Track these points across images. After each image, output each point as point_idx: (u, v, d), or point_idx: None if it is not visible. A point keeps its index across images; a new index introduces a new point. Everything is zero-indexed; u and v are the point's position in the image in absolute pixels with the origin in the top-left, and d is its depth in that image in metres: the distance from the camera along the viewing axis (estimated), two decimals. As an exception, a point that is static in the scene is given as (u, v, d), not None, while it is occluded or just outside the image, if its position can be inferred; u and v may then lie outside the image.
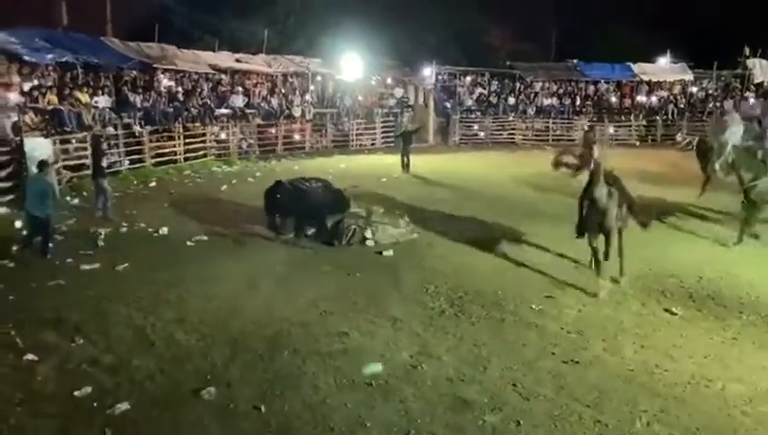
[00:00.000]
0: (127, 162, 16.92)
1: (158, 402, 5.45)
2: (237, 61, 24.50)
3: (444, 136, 26.82)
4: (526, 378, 5.95)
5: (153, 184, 15.96)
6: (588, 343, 6.73)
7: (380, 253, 9.90)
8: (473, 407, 5.43)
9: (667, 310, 7.72)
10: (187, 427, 5.13)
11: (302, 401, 5.51)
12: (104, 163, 12.36)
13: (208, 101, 21.59)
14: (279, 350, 6.49)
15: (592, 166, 8.18)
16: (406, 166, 18.14)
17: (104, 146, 12.71)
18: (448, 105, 27.82)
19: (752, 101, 26.86)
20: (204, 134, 20.04)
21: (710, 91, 30.71)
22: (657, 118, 28.10)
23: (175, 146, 18.83)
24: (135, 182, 15.85)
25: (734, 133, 14.20)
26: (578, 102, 29.53)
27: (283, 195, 10.87)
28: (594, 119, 28.43)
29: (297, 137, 23.38)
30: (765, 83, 29.49)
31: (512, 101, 28.89)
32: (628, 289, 8.34)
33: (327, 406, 5.43)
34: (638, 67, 30.52)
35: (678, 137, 15.29)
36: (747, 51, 29.60)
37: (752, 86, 29.51)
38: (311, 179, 11.47)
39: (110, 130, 16.74)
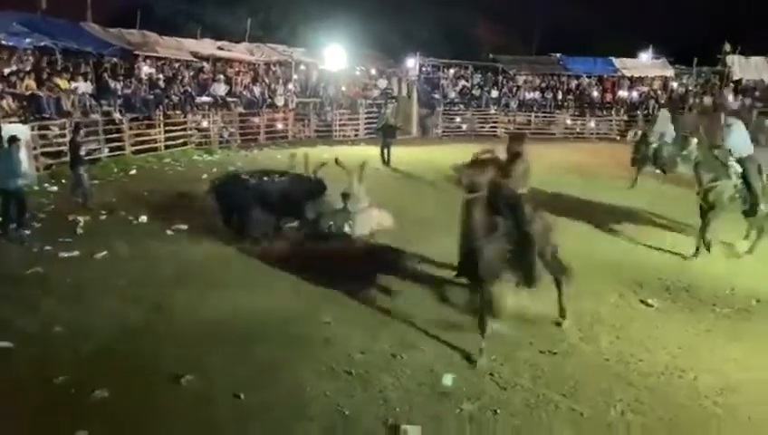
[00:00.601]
0: (107, 150, 16.74)
1: (137, 390, 5.44)
2: (219, 48, 24.34)
3: (428, 127, 26.84)
4: (504, 368, 6.02)
5: (133, 172, 15.80)
6: (565, 334, 6.82)
7: (358, 244, 9.93)
8: (451, 396, 5.50)
9: (643, 301, 7.84)
10: (166, 413, 5.13)
11: (281, 389, 5.53)
12: (82, 152, 12.23)
13: (189, 89, 21.42)
14: (259, 339, 6.49)
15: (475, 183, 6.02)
16: (386, 159, 17.91)
17: (81, 134, 12.53)
18: (436, 95, 27.85)
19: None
20: (185, 122, 19.87)
21: (690, 88, 31.07)
22: (638, 113, 28.37)
23: (155, 134, 18.67)
24: (115, 170, 15.69)
25: (669, 130, 15.29)
26: (560, 97, 29.75)
27: (248, 191, 10.14)
28: (576, 113, 28.71)
29: (280, 126, 23.26)
30: (744, 80, 29.93)
31: (494, 94, 29.01)
32: (604, 286, 8.42)
33: (306, 395, 5.46)
34: (619, 62, 30.81)
35: (630, 135, 16.12)
36: (728, 47, 29.99)
37: (731, 83, 29.93)
38: (272, 172, 10.77)
39: (94, 116, 16.58)
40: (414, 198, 13.44)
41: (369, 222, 10.49)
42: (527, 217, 6.48)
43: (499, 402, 5.41)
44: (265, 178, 10.46)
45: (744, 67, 29.80)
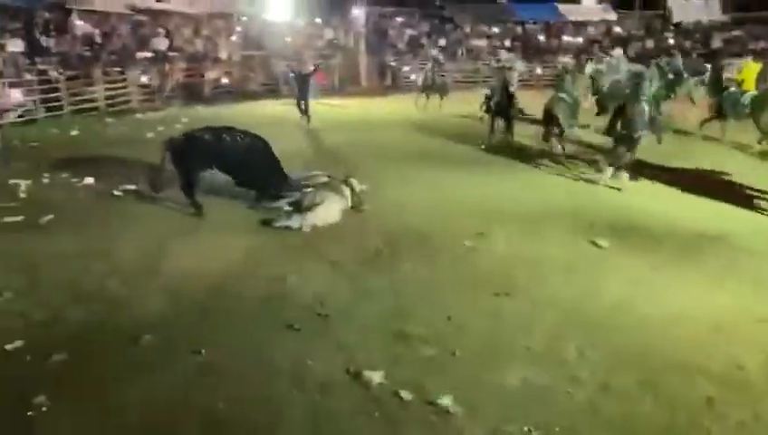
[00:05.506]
0: (43, 110, 16.08)
1: (96, 351, 5.38)
2: (157, 1, 23.41)
3: (380, 78, 26.58)
4: (460, 311, 6.17)
5: (74, 132, 15.23)
6: (518, 276, 7.01)
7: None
8: (410, 340, 5.62)
9: (592, 242, 8.09)
10: (128, 372, 5.09)
11: (242, 343, 5.55)
12: None
13: (128, 44, 20.62)
14: (216, 297, 6.47)
15: None
16: (305, 113, 16.44)
17: None
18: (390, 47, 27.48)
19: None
20: (125, 79, 19.20)
21: (632, 31, 31.51)
22: (583, 57, 28.63)
23: (95, 92, 17.99)
24: (55, 131, 15.11)
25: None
26: (507, 44, 29.78)
27: (211, 148, 9.14)
28: (523, 60, 28.80)
29: (224, 80, 22.68)
30: (683, 23, 30.49)
31: (442, 42, 28.84)
32: (553, 229, 8.65)
33: (268, 347, 5.50)
34: (563, 8, 31.02)
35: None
36: (667, -11, 30.47)
37: (671, 26, 30.47)
38: (233, 131, 9.41)
39: (28, 76, 15.88)
40: (364, 149, 13.39)
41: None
42: None
43: (457, 344, 5.55)
44: (225, 137, 9.25)
45: (684, 9, 30.34)
